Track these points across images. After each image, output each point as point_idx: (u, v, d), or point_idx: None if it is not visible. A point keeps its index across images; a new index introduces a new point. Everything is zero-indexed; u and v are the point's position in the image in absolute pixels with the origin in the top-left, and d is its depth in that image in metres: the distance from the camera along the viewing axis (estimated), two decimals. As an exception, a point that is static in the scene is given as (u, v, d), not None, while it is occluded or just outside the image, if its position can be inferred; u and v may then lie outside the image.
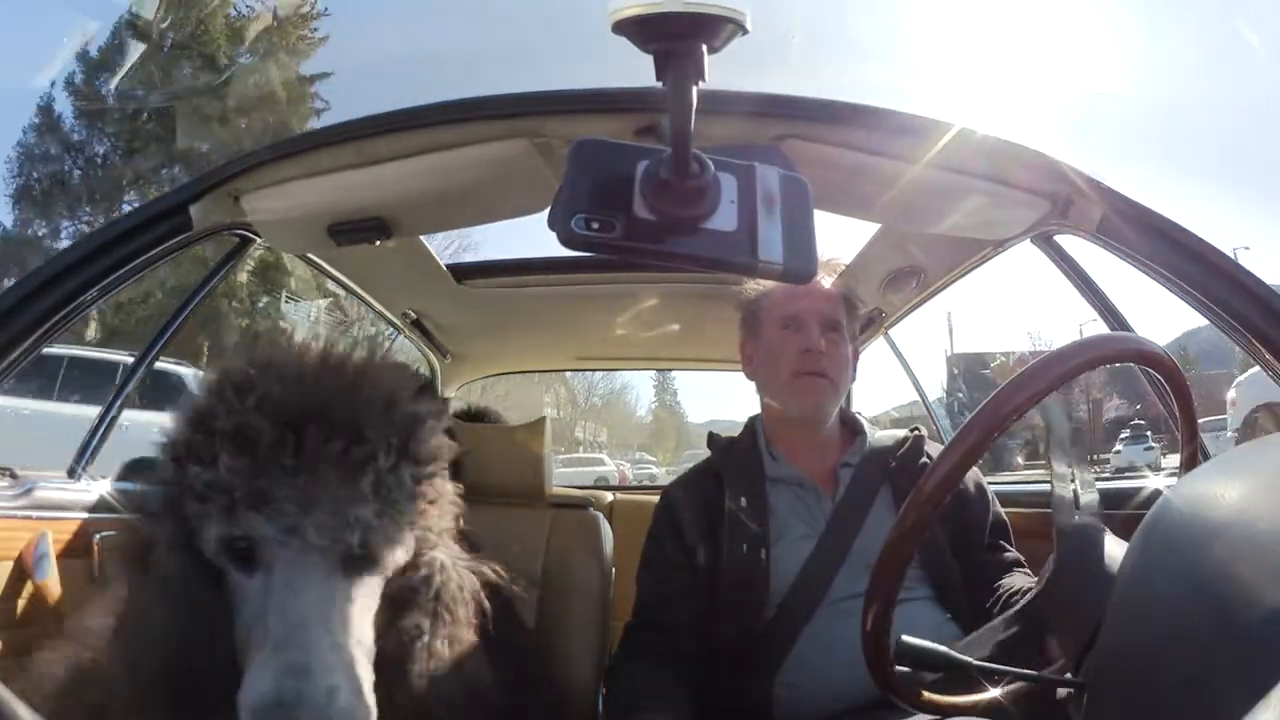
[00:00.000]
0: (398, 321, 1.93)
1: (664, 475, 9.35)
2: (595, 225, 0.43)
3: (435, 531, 0.66)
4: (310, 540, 0.55)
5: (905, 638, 0.59)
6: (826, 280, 1.12)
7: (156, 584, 0.59)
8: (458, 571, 0.67)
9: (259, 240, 1.20)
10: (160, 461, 0.61)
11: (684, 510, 1.08)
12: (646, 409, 24.00)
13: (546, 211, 0.46)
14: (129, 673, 0.57)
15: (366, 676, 0.56)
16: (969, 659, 0.59)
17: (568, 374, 18.75)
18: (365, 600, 0.59)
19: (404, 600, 0.63)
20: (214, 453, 0.56)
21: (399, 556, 0.61)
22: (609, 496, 2.22)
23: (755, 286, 1.15)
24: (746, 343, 1.16)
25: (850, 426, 1.15)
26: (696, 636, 1.01)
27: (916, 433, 1.14)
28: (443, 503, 0.66)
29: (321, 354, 0.64)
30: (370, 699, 0.56)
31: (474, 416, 2.07)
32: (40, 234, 12.62)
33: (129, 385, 1.29)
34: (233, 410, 0.57)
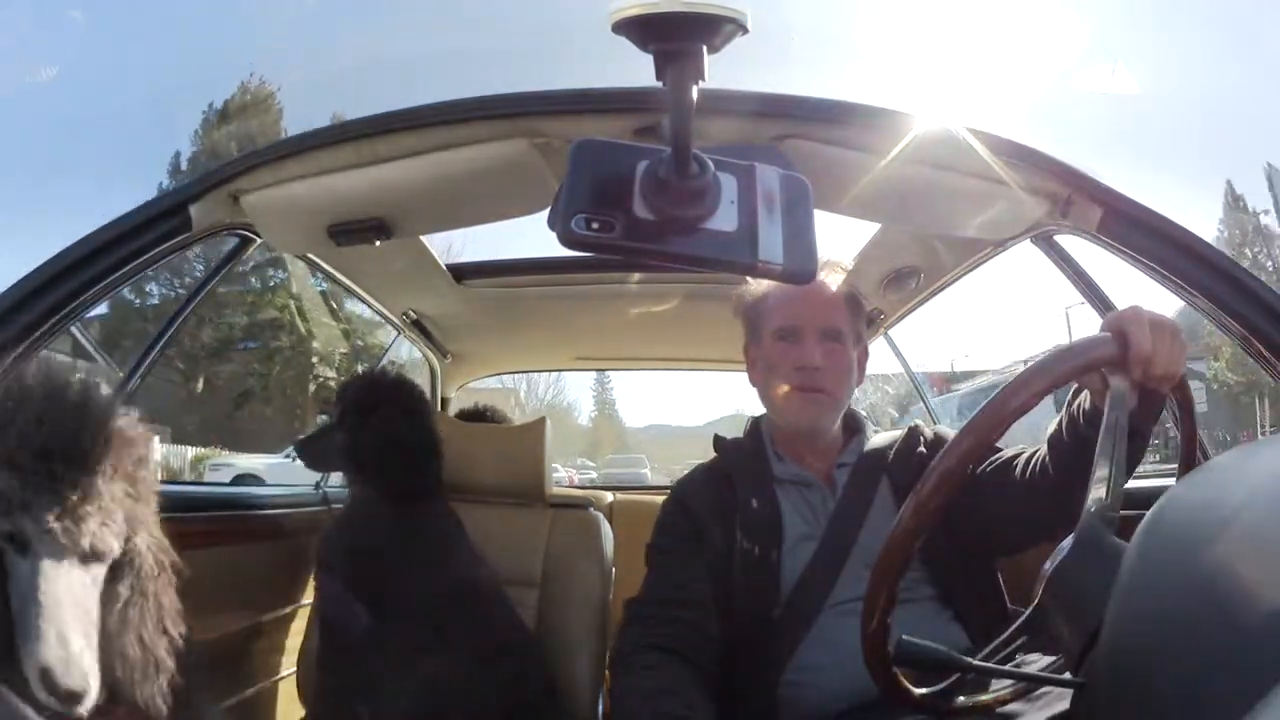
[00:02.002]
0: (398, 321, 1.93)
1: (600, 479, 9.50)
2: (595, 225, 0.43)
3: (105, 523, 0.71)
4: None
5: (906, 638, 0.59)
6: (832, 281, 1.09)
7: None
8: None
9: (259, 240, 1.20)
10: None
11: (696, 503, 1.08)
12: (587, 418, 24.53)
13: (546, 211, 0.46)
14: None
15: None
16: (968, 659, 0.59)
17: (522, 390, 18.94)
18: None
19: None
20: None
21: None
22: (609, 497, 2.21)
23: (755, 287, 1.12)
24: (750, 346, 1.14)
25: (850, 426, 1.13)
26: (712, 622, 0.98)
27: (914, 426, 1.13)
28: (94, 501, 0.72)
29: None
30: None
31: (474, 415, 2.07)
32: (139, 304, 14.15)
33: (129, 383, 1.29)
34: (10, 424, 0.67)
